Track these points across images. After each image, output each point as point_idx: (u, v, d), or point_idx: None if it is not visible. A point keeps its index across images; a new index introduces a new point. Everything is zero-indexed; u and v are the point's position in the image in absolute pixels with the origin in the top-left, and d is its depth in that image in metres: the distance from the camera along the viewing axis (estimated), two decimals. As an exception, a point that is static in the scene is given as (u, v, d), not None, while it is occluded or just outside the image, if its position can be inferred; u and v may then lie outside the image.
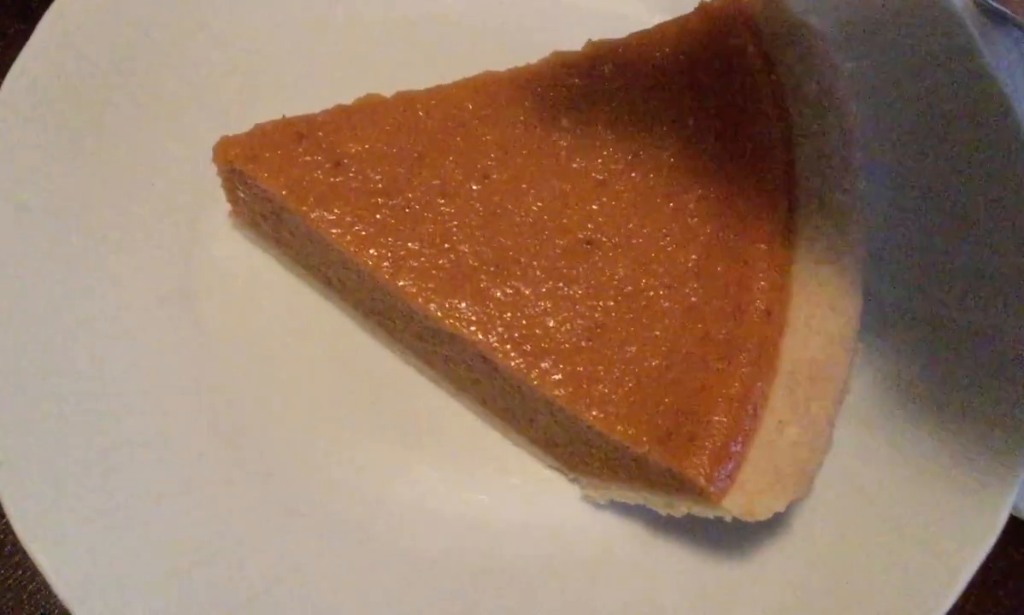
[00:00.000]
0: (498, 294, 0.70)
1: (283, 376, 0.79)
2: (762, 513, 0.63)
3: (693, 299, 0.69)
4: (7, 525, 0.68)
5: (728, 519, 0.64)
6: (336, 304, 0.81)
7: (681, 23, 0.77)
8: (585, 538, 0.75)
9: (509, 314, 0.69)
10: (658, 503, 0.69)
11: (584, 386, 0.67)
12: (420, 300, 0.70)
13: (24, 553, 0.68)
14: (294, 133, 0.74)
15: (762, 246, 0.69)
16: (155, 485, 0.72)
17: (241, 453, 0.75)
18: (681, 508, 0.68)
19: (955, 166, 0.76)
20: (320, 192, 0.73)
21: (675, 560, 0.72)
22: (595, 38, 0.77)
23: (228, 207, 0.81)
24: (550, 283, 0.70)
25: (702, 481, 0.63)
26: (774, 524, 0.71)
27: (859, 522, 0.70)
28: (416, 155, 0.74)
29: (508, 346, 0.69)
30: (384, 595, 0.71)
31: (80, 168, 0.80)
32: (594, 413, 0.66)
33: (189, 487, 0.73)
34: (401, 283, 0.70)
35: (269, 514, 0.74)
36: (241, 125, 0.75)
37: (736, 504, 0.63)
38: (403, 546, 0.74)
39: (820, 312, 0.67)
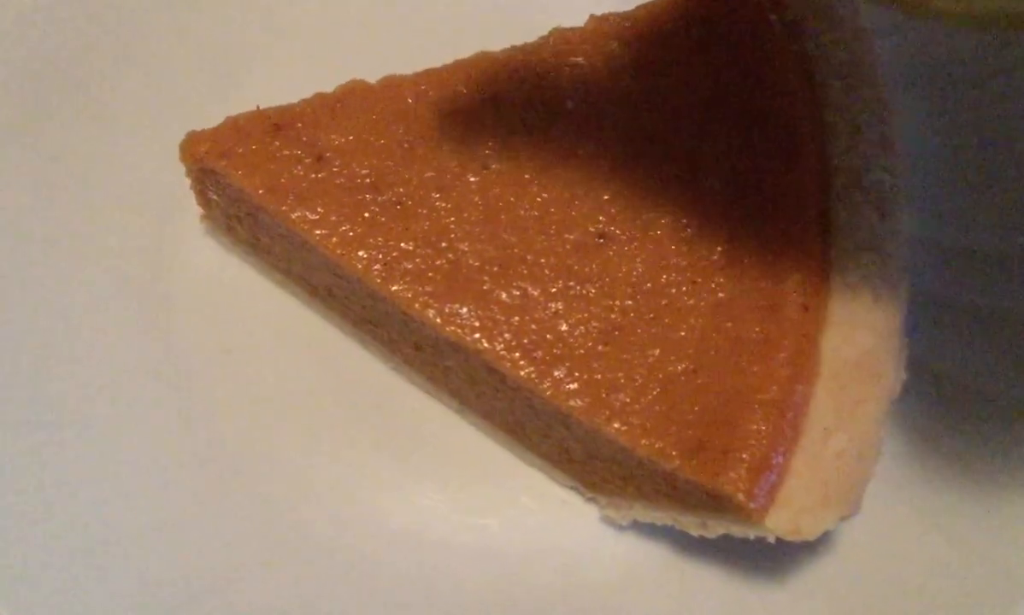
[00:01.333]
0: (503, 296, 0.63)
1: (267, 397, 0.72)
2: (809, 532, 0.56)
3: (721, 295, 0.62)
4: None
5: (771, 540, 0.57)
6: (322, 314, 0.74)
7: (692, -8, 0.70)
8: (606, 564, 0.68)
9: (516, 318, 0.62)
10: (690, 523, 0.63)
11: (603, 395, 0.60)
12: (417, 306, 0.63)
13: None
14: (270, 125, 0.67)
15: (795, 234, 0.62)
16: (129, 521, 0.65)
17: (223, 485, 0.69)
18: (716, 528, 0.61)
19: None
20: (301, 190, 0.66)
21: (707, 585, 0.66)
22: (598, 12, 0.70)
23: (199, 211, 0.74)
24: (560, 283, 0.63)
25: (741, 498, 0.56)
26: (815, 543, 0.65)
27: (911, 539, 0.63)
28: (406, 146, 0.67)
29: (517, 354, 0.62)
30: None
31: (32, 173, 0.72)
32: (615, 425, 0.60)
33: (166, 522, 0.66)
34: (395, 288, 0.63)
35: (255, 548, 0.67)
36: (210, 119, 0.68)
37: (780, 523, 0.56)
38: (405, 579, 0.67)
39: (863, 304, 0.61)
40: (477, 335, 0.62)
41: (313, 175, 0.66)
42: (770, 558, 0.64)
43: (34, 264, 0.71)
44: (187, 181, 0.71)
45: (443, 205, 0.65)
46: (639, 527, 0.68)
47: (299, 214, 0.65)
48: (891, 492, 0.64)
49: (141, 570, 0.64)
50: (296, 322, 0.74)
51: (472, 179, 0.66)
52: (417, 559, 0.68)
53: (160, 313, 0.74)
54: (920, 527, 0.64)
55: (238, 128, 0.67)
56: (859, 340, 0.60)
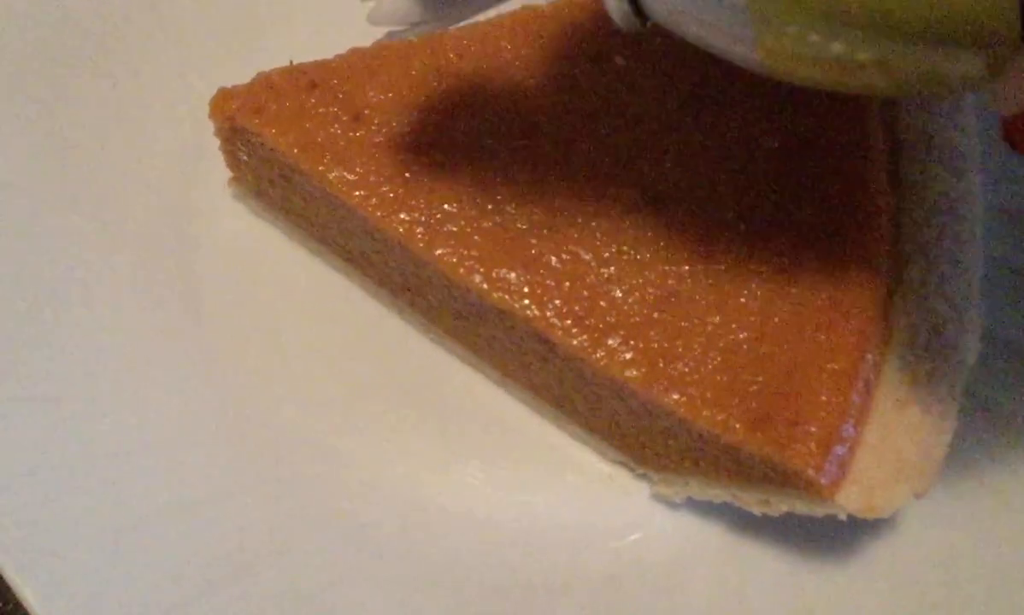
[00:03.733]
0: (553, 261, 0.59)
1: (300, 368, 0.69)
2: (884, 509, 0.53)
3: (783, 258, 0.59)
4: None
5: (842, 517, 0.54)
6: (358, 282, 0.71)
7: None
8: (657, 542, 0.65)
9: (567, 284, 0.59)
10: (751, 500, 0.59)
11: (660, 365, 0.57)
12: (462, 271, 0.59)
13: (6, 585, 0.57)
14: (305, 82, 0.64)
15: (863, 193, 0.59)
16: (158, 500, 0.62)
17: (256, 459, 0.65)
18: (780, 506, 0.58)
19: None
20: (338, 149, 0.62)
21: (766, 565, 0.62)
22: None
23: (227, 174, 0.71)
24: (613, 247, 0.60)
25: (811, 472, 0.53)
26: (878, 523, 0.62)
27: (983, 519, 0.60)
28: (449, 104, 0.63)
29: (568, 321, 0.58)
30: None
31: (52, 133, 0.69)
32: (674, 396, 0.56)
33: (197, 501, 0.63)
34: (439, 251, 0.60)
35: (288, 527, 0.64)
36: (241, 75, 0.65)
37: (852, 499, 0.53)
38: (443, 559, 0.64)
39: (936, 269, 0.57)
40: (526, 302, 0.59)
41: (351, 133, 0.62)
42: (831, 539, 0.61)
43: (53, 227, 0.68)
44: (214, 142, 0.68)
45: (488, 165, 0.61)
46: (692, 505, 0.64)
47: (336, 174, 0.62)
48: (961, 468, 0.61)
49: (172, 549, 0.61)
50: (329, 291, 0.71)
51: (518, 139, 0.62)
52: (457, 538, 0.65)
53: (185, 281, 0.71)
54: (993, 506, 0.60)
55: (271, 84, 0.64)
56: (932, 307, 0.57)
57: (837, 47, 0.39)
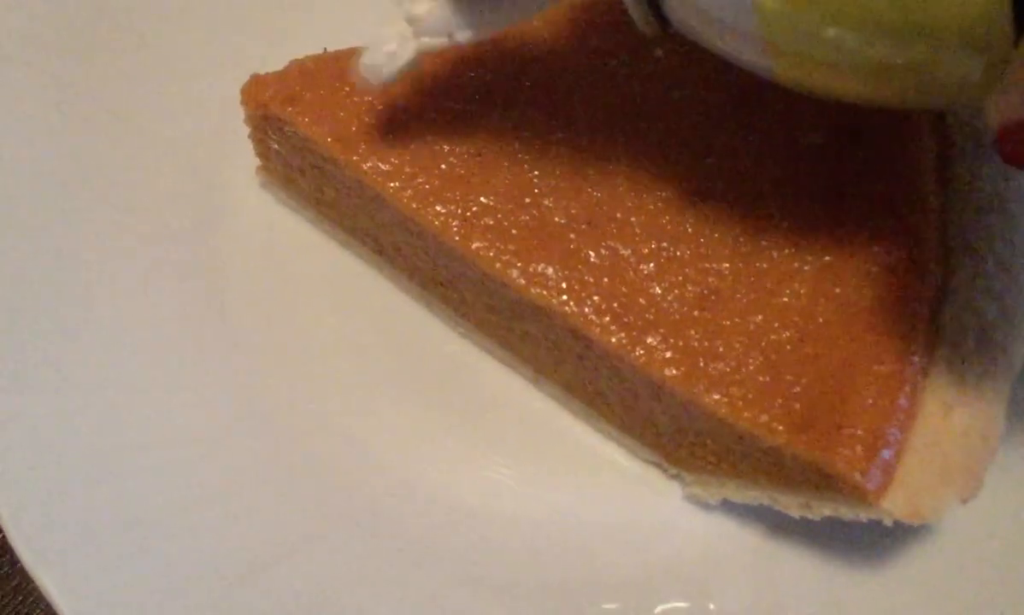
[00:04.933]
0: (592, 256, 0.58)
1: (326, 362, 0.68)
2: (930, 515, 0.52)
3: (827, 258, 0.57)
4: (4, 542, 0.57)
5: (888, 523, 0.53)
6: (389, 275, 0.70)
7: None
8: (688, 545, 0.64)
9: (606, 280, 0.58)
10: (791, 503, 0.58)
11: (701, 364, 0.56)
12: (499, 265, 0.58)
13: (25, 575, 0.58)
14: (339, 70, 0.62)
15: (910, 191, 0.57)
16: (180, 492, 0.61)
17: (281, 455, 0.64)
18: (823, 509, 0.56)
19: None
20: (373, 139, 0.61)
21: (803, 570, 0.61)
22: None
23: (255, 162, 0.70)
24: (653, 243, 0.58)
25: (857, 477, 0.52)
26: (918, 530, 0.60)
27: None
28: (485, 94, 0.62)
29: (607, 318, 0.57)
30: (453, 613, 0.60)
31: (81, 118, 0.68)
32: (715, 396, 0.55)
33: (221, 493, 0.62)
34: (475, 245, 0.58)
35: (315, 521, 0.63)
36: (274, 63, 0.64)
37: (897, 504, 0.52)
38: (473, 555, 0.63)
39: (985, 271, 0.56)
40: (564, 297, 0.57)
41: (386, 123, 0.61)
42: (869, 543, 0.60)
43: (78, 213, 0.67)
44: (243, 129, 0.67)
45: (526, 157, 0.60)
46: (725, 506, 0.63)
47: (371, 165, 0.60)
48: (1007, 475, 0.59)
49: (194, 542, 0.60)
50: (358, 283, 0.70)
51: (556, 132, 0.61)
52: (486, 534, 0.64)
53: (211, 272, 0.70)
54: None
55: (304, 72, 0.63)
56: (981, 309, 0.56)
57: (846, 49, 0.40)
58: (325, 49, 0.64)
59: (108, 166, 0.69)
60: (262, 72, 0.63)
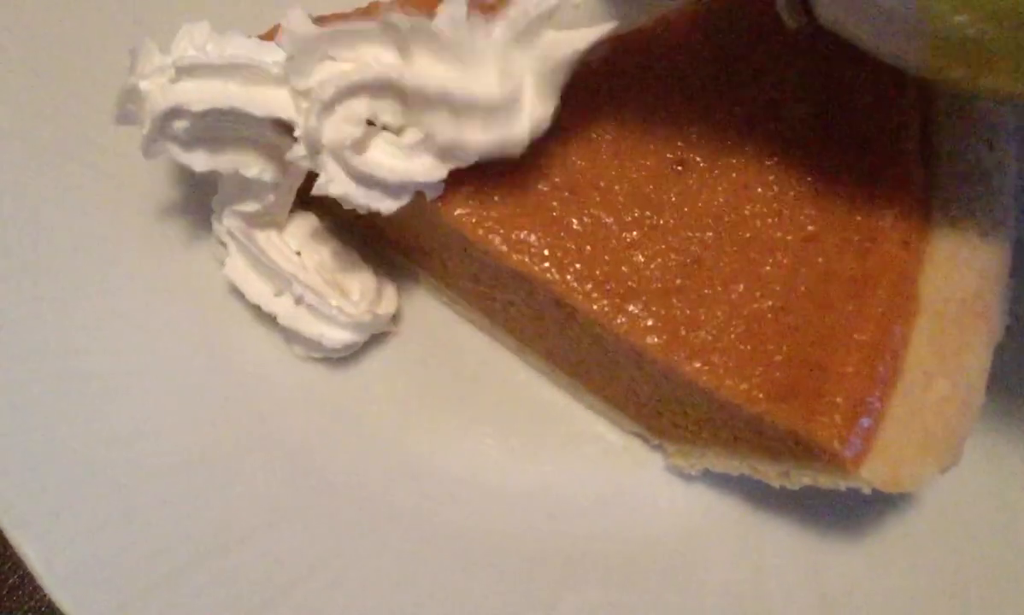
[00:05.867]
0: (574, 224, 0.58)
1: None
2: (909, 483, 0.52)
3: (810, 228, 0.57)
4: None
5: (866, 491, 0.53)
6: (373, 246, 0.69)
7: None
8: (670, 514, 0.64)
9: (588, 247, 0.57)
10: (770, 473, 0.58)
11: (682, 333, 0.56)
12: (480, 232, 0.58)
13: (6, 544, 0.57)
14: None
15: (893, 163, 0.57)
16: (163, 460, 0.61)
17: (264, 424, 0.64)
18: (802, 478, 0.56)
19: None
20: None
21: (782, 539, 0.62)
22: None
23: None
24: (636, 211, 0.58)
25: (836, 445, 0.52)
26: (896, 499, 0.61)
27: (1005, 500, 0.59)
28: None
29: (588, 285, 0.57)
30: (436, 584, 0.60)
31: (63, 90, 0.67)
32: (695, 365, 0.55)
33: (205, 460, 0.61)
34: (457, 212, 0.58)
35: (299, 492, 0.63)
36: (259, 25, 0.63)
37: (876, 473, 0.52)
38: (457, 528, 0.63)
39: (967, 242, 0.56)
40: (546, 264, 0.57)
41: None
42: (850, 512, 0.61)
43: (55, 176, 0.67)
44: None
45: (508, 125, 0.60)
46: (707, 476, 0.63)
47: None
48: (984, 447, 0.60)
49: (174, 511, 0.60)
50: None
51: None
52: (471, 506, 0.64)
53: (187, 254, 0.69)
54: (1016, 486, 0.59)
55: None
56: (962, 280, 0.55)
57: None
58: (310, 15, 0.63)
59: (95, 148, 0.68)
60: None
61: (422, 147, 0.55)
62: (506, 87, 0.53)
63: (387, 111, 0.56)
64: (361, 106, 0.55)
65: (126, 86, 0.58)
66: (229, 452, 0.62)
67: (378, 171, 0.56)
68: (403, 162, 0.56)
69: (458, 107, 0.53)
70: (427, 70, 0.53)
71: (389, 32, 0.54)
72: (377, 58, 0.55)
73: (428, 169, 0.56)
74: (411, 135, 0.56)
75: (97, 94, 0.66)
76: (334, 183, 0.56)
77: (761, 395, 0.54)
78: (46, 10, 0.69)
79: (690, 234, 0.58)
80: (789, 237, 0.57)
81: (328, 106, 0.54)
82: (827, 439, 0.52)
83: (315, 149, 0.55)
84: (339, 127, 0.55)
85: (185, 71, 0.57)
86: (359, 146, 0.56)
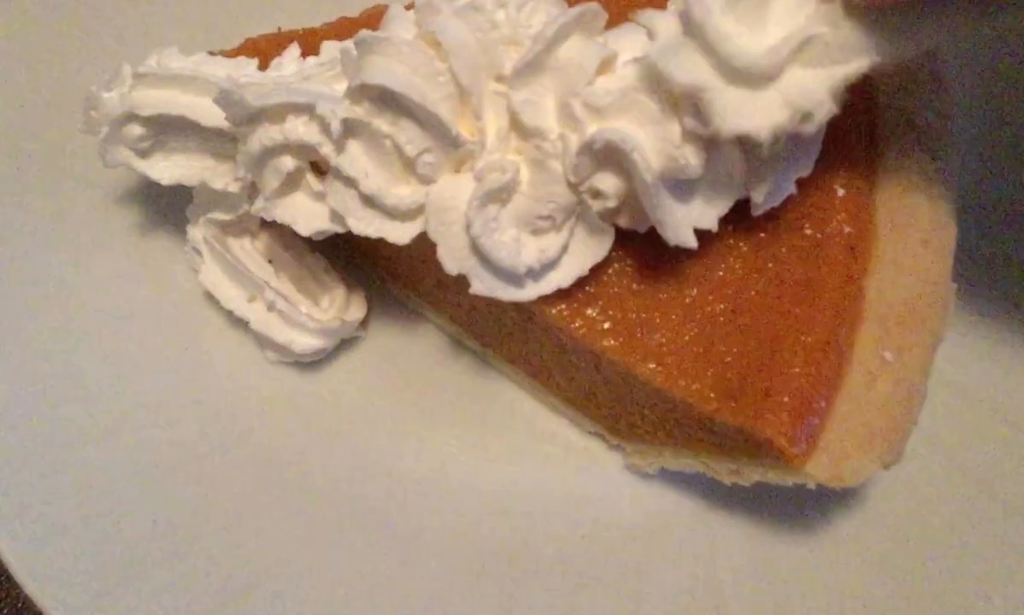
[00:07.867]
0: (533, 230, 0.60)
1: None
2: (851, 479, 0.54)
3: (761, 235, 0.59)
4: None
5: (811, 486, 0.55)
6: (342, 254, 0.71)
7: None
8: (630, 512, 0.66)
9: (548, 254, 0.59)
10: (722, 470, 0.60)
11: (638, 335, 0.58)
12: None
13: None
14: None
15: (840, 174, 0.59)
16: (136, 458, 0.62)
17: (236, 425, 0.66)
18: (752, 475, 0.58)
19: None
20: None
21: (735, 535, 0.64)
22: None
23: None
24: (593, 218, 0.60)
25: (783, 442, 0.53)
26: (848, 494, 0.63)
27: (948, 494, 0.61)
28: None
29: (548, 290, 0.59)
30: (399, 583, 0.62)
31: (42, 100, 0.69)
32: (650, 366, 0.57)
33: (177, 460, 0.63)
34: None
35: (269, 491, 0.64)
36: (230, 40, 0.65)
37: (821, 469, 0.54)
38: (418, 526, 0.65)
39: (910, 248, 0.58)
40: (507, 270, 0.59)
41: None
42: (800, 509, 0.63)
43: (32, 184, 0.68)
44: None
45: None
46: (664, 476, 0.65)
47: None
48: (928, 443, 0.62)
49: (145, 509, 0.61)
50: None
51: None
52: (434, 506, 0.66)
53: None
54: (959, 481, 0.61)
55: (258, 50, 0.64)
56: (906, 284, 0.58)
57: None
58: (280, 29, 0.65)
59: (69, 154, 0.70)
60: (216, 50, 0.64)
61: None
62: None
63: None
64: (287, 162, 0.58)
65: (89, 94, 0.60)
66: (202, 452, 0.64)
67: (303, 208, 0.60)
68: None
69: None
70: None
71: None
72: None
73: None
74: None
75: (77, 107, 0.68)
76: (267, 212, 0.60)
77: (712, 394, 0.56)
78: (28, 28, 0.71)
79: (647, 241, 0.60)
80: (741, 243, 0.59)
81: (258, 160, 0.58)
82: (774, 436, 0.54)
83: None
84: (268, 176, 0.58)
85: (141, 79, 0.59)
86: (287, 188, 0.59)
